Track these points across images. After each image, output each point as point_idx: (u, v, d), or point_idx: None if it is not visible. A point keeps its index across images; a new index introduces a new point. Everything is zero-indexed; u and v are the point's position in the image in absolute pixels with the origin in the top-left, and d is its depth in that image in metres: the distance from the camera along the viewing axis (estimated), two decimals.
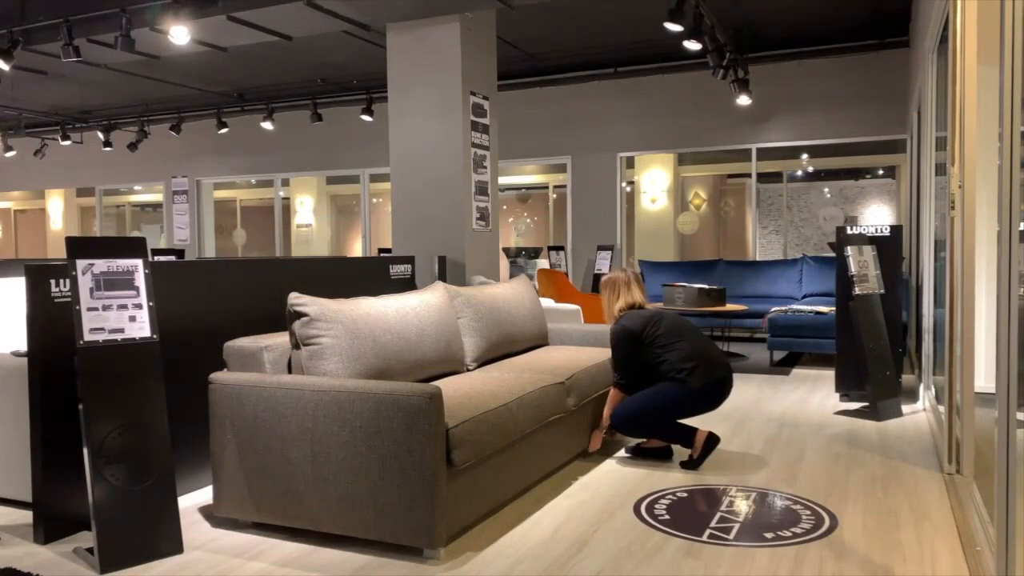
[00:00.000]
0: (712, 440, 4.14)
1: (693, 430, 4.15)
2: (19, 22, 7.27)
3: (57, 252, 15.02)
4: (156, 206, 15.61)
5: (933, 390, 5.23)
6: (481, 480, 3.28)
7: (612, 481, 3.95)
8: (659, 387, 4.12)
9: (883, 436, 4.79)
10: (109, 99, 11.75)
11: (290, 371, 3.42)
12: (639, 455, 4.38)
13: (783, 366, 7.48)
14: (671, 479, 3.97)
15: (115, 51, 7.00)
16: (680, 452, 4.39)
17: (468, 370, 4.24)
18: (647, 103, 10.12)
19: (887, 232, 5.72)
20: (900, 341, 5.73)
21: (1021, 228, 2.19)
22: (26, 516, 3.44)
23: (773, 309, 7.65)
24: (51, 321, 3.22)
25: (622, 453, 4.45)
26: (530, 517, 3.45)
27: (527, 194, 14.97)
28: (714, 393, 4.11)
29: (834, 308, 5.86)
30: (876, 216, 13.83)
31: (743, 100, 8.82)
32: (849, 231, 5.61)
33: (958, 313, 3.67)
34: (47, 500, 3.23)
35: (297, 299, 3.39)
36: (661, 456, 4.34)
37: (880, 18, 8.19)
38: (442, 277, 6.22)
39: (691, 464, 4.13)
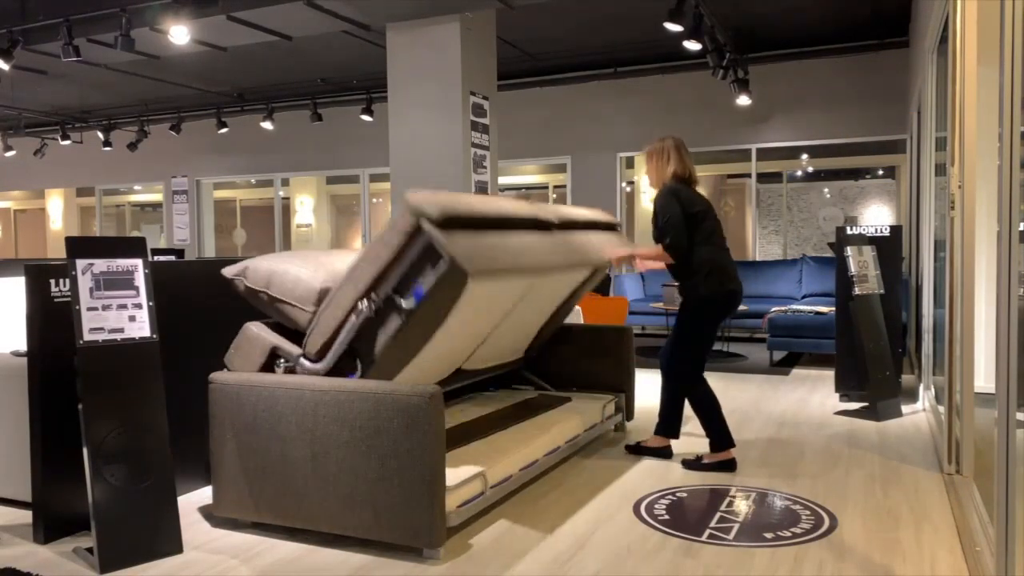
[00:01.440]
0: (732, 465, 4.12)
1: (731, 443, 4.13)
2: (19, 22, 7.27)
3: (57, 252, 15.02)
4: (156, 206, 15.61)
5: (933, 390, 5.23)
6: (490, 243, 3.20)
7: (612, 481, 3.95)
8: (677, 331, 4.17)
9: (883, 436, 4.79)
10: (109, 99, 11.74)
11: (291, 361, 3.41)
12: (638, 453, 4.38)
13: (783, 366, 7.48)
14: (671, 479, 3.97)
15: (115, 51, 7.00)
16: (678, 451, 4.39)
17: None
18: (647, 103, 10.12)
19: (887, 232, 5.72)
20: (900, 341, 5.73)
21: (1021, 228, 2.19)
22: (26, 516, 3.44)
23: (773, 309, 7.65)
24: (51, 321, 3.22)
25: (622, 452, 4.45)
26: (530, 516, 3.45)
27: (527, 194, 14.97)
28: (724, 303, 4.12)
29: (834, 308, 5.86)
30: (876, 216, 13.82)
31: (743, 100, 8.82)
32: (849, 231, 5.62)
33: (958, 313, 3.67)
34: (47, 500, 3.23)
35: (228, 269, 3.53)
36: (660, 455, 4.34)
37: (880, 18, 8.19)
38: None
39: (694, 465, 4.13)
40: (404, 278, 3.14)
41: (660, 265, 4.20)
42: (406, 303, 3.14)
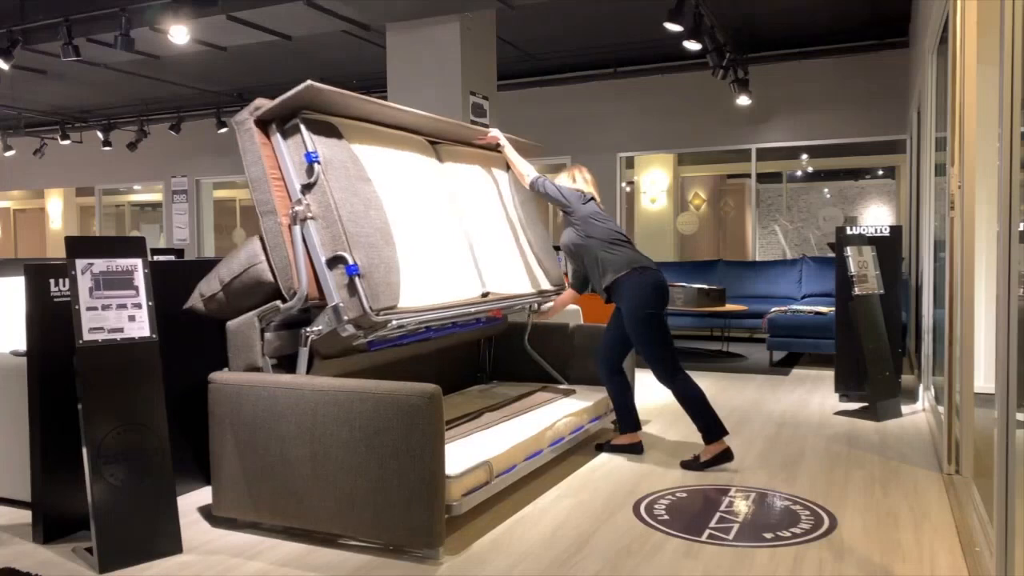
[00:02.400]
0: (728, 455, 4.12)
1: (723, 431, 4.14)
2: (19, 21, 7.27)
3: (56, 252, 15.01)
4: (155, 206, 15.60)
5: (932, 390, 5.23)
6: None
7: (612, 481, 3.95)
8: (633, 338, 4.21)
9: (882, 436, 4.79)
10: (109, 99, 11.74)
11: (287, 365, 3.41)
12: (611, 451, 4.42)
13: (783, 366, 7.48)
14: (671, 479, 3.97)
15: (115, 51, 6.99)
16: (675, 449, 4.39)
17: None
18: (647, 103, 10.12)
19: (887, 232, 5.72)
20: (900, 341, 5.73)
21: (1021, 228, 2.19)
22: (25, 516, 3.43)
23: (773, 309, 7.65)
24: (50, 320, 3.21)
25: (616, 451, 4.45)
26: (530, 517, 3.45)
27: None
28: (653, 289, 4.16)
29: (834, 308, 5.86)
30: (876, 216, 13.82)
31: (743, 100, 8.82)
32: (849, 231, 5.62)
33: (958, 313, 3.67)
34: (46, 500, 3.23)
35: (186, 304, 3.54)
36: (632, 451, 4.39)
37: (880, 18, 8.19)
38: None
39: (693, 465, 4.13)
40: (295, 168, 3.36)
41: (517, 170, 4.52)
42: (310, 176, 3.32)
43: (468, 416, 4.07)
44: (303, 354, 3.35)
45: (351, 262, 3.24)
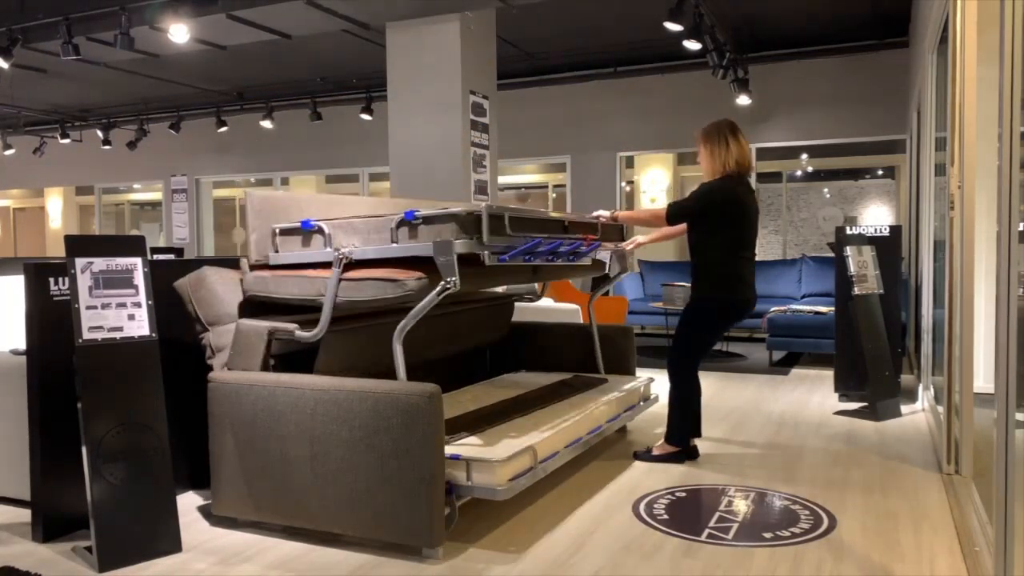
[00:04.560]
0: (679, 459, 4.20)
1: (686, 443, 4.22)
2: (19, 20, 7.26)
3: (56, 250, 15.00)
4: (155, 205, 15.60)
5: (932, 390, 5.23)
6: None
7: (611, 480, 3.95)
8: (679, 329, 4.20)
9: (882, 436, 4.79)
10: (108, 97, 11.74)
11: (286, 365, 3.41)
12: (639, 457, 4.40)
13: (782, 366, 7.48)
14: (670, 479, 3.97)
15: (114, 49, 6.99)
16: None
17: None
18: (647, 103, 10.12)
19: (886, 232, 5.73)
20: (899, 341, 5.73)
21: (1021, 228, 2.19)
22: (25, 515, 3.44)
23: (772, 309, 7.65)
24: (50, 319, 3.21)
25: (622, 451, 4.45)
26: (530, 516, 3.45)
27: (526, 194, 14.96)
28: (733, 310, 4.14)
29: (833, 308, 5.86)
30: (875, 216, 13.82)
31: (743, 100, 8.82)
32: (848, 231, 5.62)
33: (957, 313, 3.67)
34: (46, 499, 3.23)
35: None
36: (685, 459, 4.28)
37: (880, 18, 8.19)
38: None
39: (643, 456, 4.26)
40: (308, 248, 3.49)
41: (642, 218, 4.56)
42: (323, 233, 3.43)
43: (506, 402, 4.04)
44: (430, 299, 3.16)
45: (407, 210, 3.19)
